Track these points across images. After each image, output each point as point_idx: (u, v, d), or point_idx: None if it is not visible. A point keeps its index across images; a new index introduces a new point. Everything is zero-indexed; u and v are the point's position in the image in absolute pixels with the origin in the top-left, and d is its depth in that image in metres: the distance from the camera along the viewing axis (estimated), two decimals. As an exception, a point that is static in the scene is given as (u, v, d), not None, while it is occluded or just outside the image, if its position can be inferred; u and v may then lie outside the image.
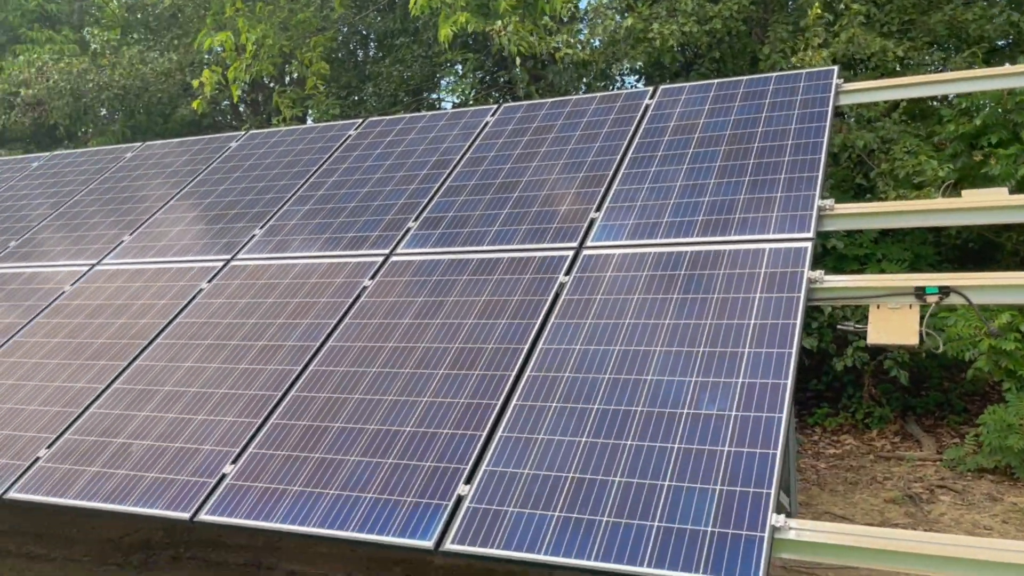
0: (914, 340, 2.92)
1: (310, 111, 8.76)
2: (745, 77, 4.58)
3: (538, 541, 2.52)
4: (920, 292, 3.03)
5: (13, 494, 3.36)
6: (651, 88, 4.77)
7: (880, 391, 5.93)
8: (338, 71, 9.42)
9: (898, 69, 6.08)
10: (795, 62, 5.33)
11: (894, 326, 2.99)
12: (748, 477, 2.53)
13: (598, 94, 4.91)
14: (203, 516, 2.97)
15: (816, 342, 5.82)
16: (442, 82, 7.53)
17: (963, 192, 3.48)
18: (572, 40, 5.65)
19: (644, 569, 2.36)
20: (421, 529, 2.67)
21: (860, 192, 5.95)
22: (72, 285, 4.67)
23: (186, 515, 2.98)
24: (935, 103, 6.43)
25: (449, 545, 2.59)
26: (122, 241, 4.94)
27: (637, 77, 7.80)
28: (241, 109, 9.96)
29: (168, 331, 4.02)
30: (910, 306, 3.04)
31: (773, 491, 2.46)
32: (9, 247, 5.30)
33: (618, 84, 6.24)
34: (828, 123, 3.96)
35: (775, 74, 4.50)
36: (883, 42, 5.72)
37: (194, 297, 4.20)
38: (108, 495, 3.18)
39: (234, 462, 3.15)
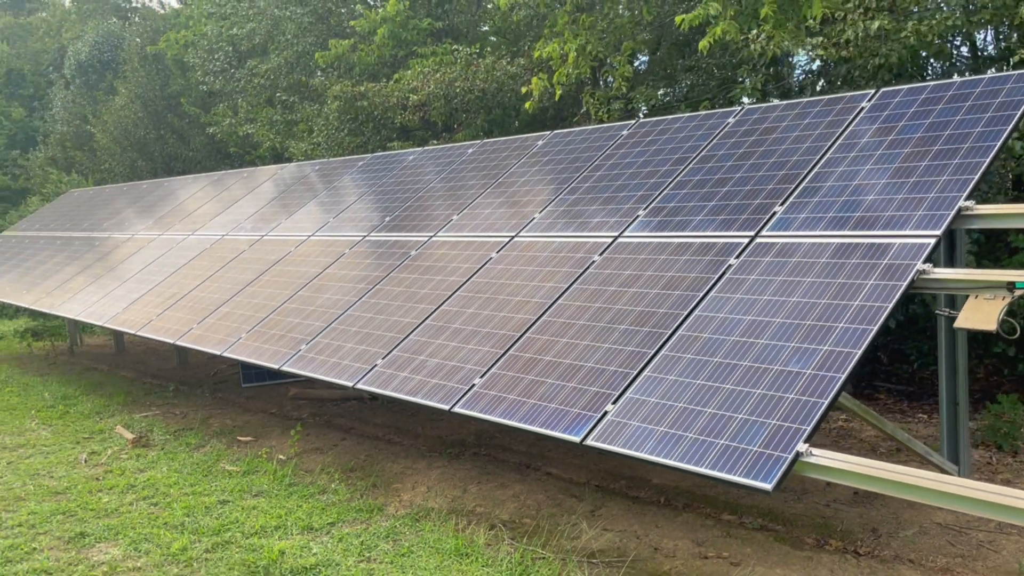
0: (991, 327, 3.42)
1: (635, 103, 10.01)
2: (958, 79, 4.92)
3: (643, 444, 3.62)
4: (1011, 286, 3.49)
5: (361, 385, 5.20)
6: (872, 91, 5.29)
7: None
8: (663, 63, 10.55)
9: None
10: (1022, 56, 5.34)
11: (980, 314, 3.49)
12: (798, 417, 3.36)
13: (825, 96, 5.53)
14: (456, 409, 4.49)
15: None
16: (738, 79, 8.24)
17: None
18: (827, 41, 6.18)
19: (701, 469, 3.36)
20: (576, 430, 3.91)
21: None
22: (416, 251, 6.54)
23: (446, 407, 4.53)
24: None
25: (589, 441, 3.80)
26: (452, 219, 6.72)
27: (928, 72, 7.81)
28: (584, 106, 11.53)
29: (465, 286, 5.64)
30: (1003, 298, 3.51)
31: (809, 428, 3.28)
32: (385, 220, 7.39)
33: (876, 83, 6.50)
34: (1010, 127, 4.29)
35: (987, 76, 4.79)
36: None
37: (485, 263, 5.78)
38: (407, 391, 4.86)
39: (481, 377, 4.63)
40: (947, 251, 4.50)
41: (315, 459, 6.62)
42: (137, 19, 24.10)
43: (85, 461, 6.90)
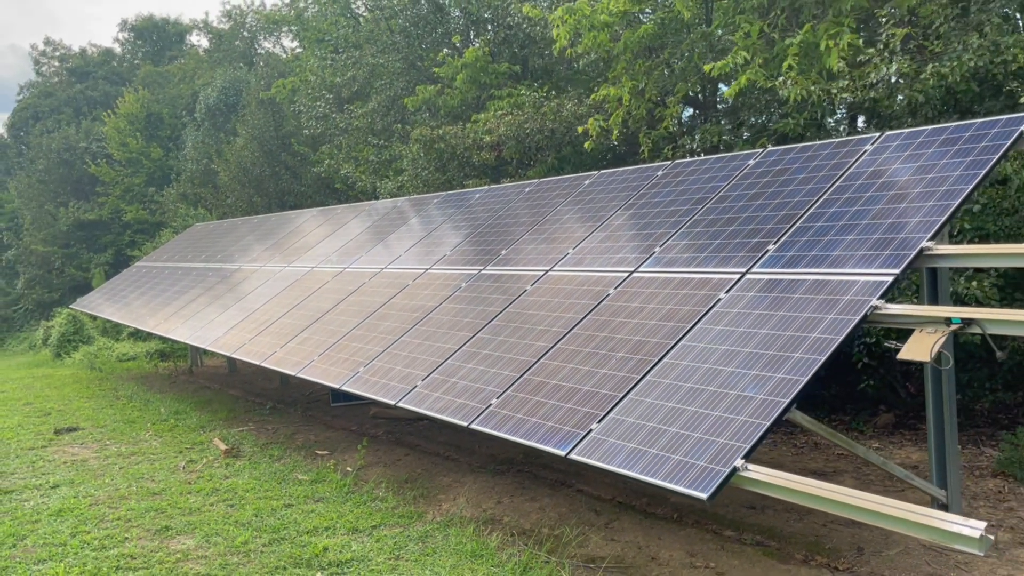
0: (925, 358, 3.73)
1: (703, 140, 10.39)
2: (952, 124, 5.19)
3: (614, 458, 4.11)
4: (948, 321, 3.80)
5: (401, 403, 5.86)
6: (877, 134, 5.59)
7: None
8: (730, 103, 10.89)
9: None
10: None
11: (920, 346, 3.81)
12: (741, 436, 3.78)
13: (835, 139, 5.86)
14: (473, 425, 5.08)
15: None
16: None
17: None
18: (853, 85, 6.47)
19: (654, 480, 3.82)
20: (564, 445, 4.42)
21: None
22: (466, 283, 7.19)
23: (465, 423, 5.12)
24: None
25: (572, 455, 4.31)
26: (501, 254, 7.34)
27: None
28: (641, 146, 11.96)
29: (500, 316, 6.23)
30: (942, 332, 3.82)
31: (748, 446, 3.69)
32: (445, 255, 8.09)
33: (907, 124, 6.67)
34: (983, 172, 4.56)
35: (978, 120, 5.05)
36: None
37: (520, 295, 6.36)
38: (437, 408, 5.48)
39: (498, 398, 5.21)
40: (930, 288, 4.78)
41: (377, 471, 7.33)
42: (261, 64, 26.07)
43: (183, 468, 7.85)
